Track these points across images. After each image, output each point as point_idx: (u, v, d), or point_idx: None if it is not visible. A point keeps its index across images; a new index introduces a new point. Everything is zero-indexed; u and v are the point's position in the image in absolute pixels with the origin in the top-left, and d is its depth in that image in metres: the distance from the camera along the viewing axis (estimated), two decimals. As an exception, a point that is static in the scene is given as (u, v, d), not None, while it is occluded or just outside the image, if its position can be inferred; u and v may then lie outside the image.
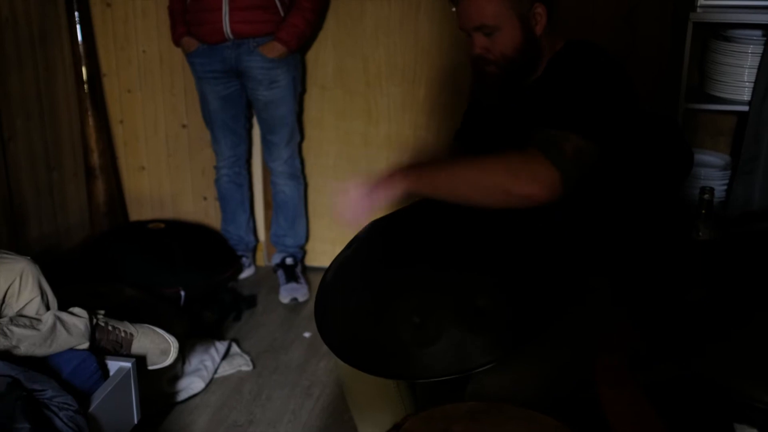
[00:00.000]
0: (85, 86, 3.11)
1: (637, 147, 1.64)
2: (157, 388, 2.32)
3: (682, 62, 2.38)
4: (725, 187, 2.58)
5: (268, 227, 3.27)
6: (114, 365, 1.99)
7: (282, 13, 2.78)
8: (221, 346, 2.60)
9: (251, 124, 3.11)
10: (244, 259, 3.20)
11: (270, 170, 3.08)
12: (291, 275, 3.09)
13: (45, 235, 3.00)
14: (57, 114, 3.03)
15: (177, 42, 2.90)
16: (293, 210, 3.11)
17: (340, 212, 1.51)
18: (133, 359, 2.01)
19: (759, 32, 2.46)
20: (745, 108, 2.44)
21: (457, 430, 1.22)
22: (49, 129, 2.99)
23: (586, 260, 1.55)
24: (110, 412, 1.89)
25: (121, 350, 2.04)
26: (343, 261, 1.55)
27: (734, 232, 2.02)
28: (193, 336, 2.60)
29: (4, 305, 1.93)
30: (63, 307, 2.00)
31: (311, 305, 2.86)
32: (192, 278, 2.86)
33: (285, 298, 3.04)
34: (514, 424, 1.25)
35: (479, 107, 1.79)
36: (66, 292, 2.10)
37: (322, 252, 3.26)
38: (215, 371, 2.53)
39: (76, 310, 1.98)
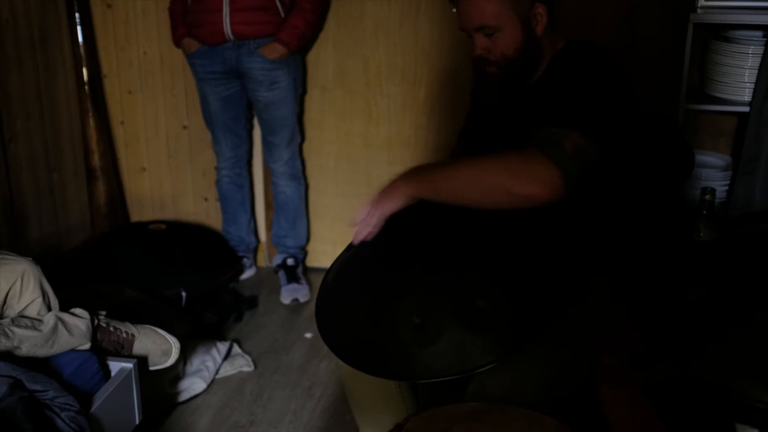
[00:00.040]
0: (86, 87, 3.11)
1: (637, 147, 1.64)
2: (158, 388, 2.32)
3: (683, 63, 2.38)
4: (726, 188, 2.58)
5: (269, 228, 3.27)
6: (115, 366, 1.99)
7: (282, 14, 2.78)
8: (222, 346, 2.60)
9: (252, 125, 3.11)
10: (245, 260, 3.21)
11: (271, 171, 3.08)
12: (292, 276, 3.10)
13: (46, 236, 3.01)
14: (57, 115, 3.03)
15: (178, 43, 2.90)
16: (294, 211, 3.11)
17: (355, 234, 1.53)
18: (135, 360, 2.01)
19: (759, 33, 2.46)
20: (746, 109, 2.44)
21: (458, 430, 1.23)
22: (49, 130, 2.99)
23: (586, 260, 1.55)
24: (112, 413, 1.90)
25: (123, 351, 2.04)
26: (343, 262, 1.55)
27: (735, 232, 2.02)
28: (194, 337, 2.60)
29: (5, 306, 1.94)
30: (64, 308, 2.00)
31: (312, 306, 2.86)
32: (193, 279, 2.86)
33: (286, 298, 3.04)
34: (515, 425, 1.25)
35: (481, 108, 1.80)
36: (67, 293, 2.11)
37: (323, 253, 3.26)
38: (216, 372, 2.54)
39: (78, 310, 1.98)
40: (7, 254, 1.99)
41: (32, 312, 1.94)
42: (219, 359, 2.55)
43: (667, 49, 2.68)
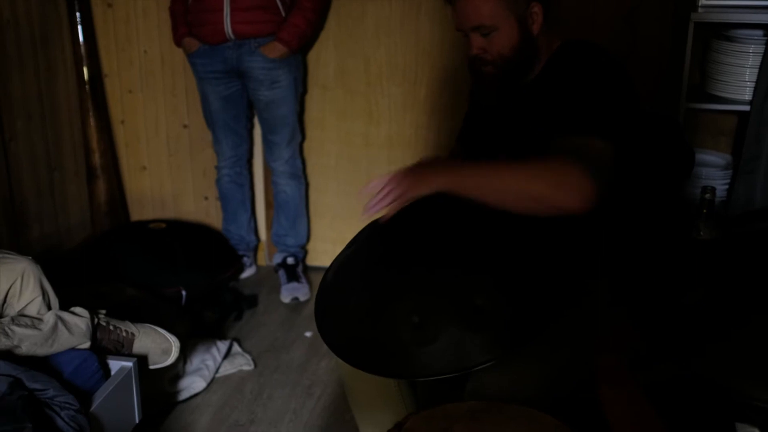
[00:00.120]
0: (87, 87, 3.11)
1: (638, 147, 1.64)
2: (158, 387, 2.32)
3: (683, 62, 2.38)
4: (727, 187, 2.58)
5: (269, 227, 3.27)
6: (115, 365, 1.99)
7: (283, 14, 2.78)
8: (222, 345, 2.61)
9: (252, 124, 3.11)
10: (245, 259, 3.21)
11: (271, 170, 3.08)
12: (292, 275, 3.10)
13: (46, 235, 3.01)
14: (58, 114, 3.04)
15: (178, 42, 2.90)
16: (294, 210, 3.11)
17: (367, 206, 1.50)
18: (135, 359, 2.01)
19: (760, 32, 2.46)
20: (747, 108, 2.44)
21: (458, 429, 1.23)
22: (50, 129, 2.99)
23: (585, 260, 1.55)
24: (112, 412, 1.90)
25: (123, 350, 2.04)
26: (343, 261, 1.55)
27: (735, 231, 2.02)
28: (194, 335, 2.60)
29: (5, 305, 1.94)
30: (64, 306, 2.00)
31: (312, 305, 2.85)
32: (193, 278, 2.86)
33: (286, 297, 3.04)
34: (514, 424, 1.25)
35: (479, 108, 1.79)
36: (67, 292, 2.11)
37: (323, 252, 3.26)
38: (216, 371, 2.54)
39: (78, 309, 1.98)
40: (8, 253, 1.99)
41: (32, 311, 1.94)
42: (219, 358, 2.56)
43: (667, 48, 2.68)
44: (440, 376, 1.27)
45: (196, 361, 2.50)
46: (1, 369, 1.70)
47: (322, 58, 3.04)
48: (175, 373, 2.40)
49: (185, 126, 3.25)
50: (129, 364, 1.99)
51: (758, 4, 2.35)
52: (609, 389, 1.24)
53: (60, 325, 1.90)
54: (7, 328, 1.83)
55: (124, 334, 2.04)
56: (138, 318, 2.14)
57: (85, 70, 3.09)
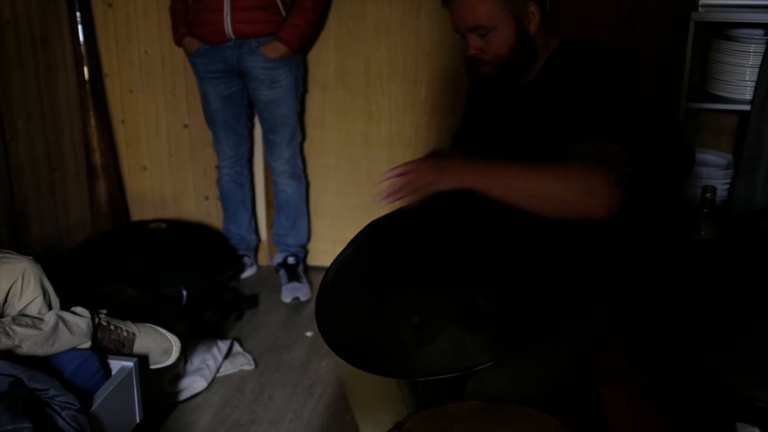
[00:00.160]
0: (87, 86, 3.11)
1: (638, 147, 1.64)
2: (159, 387, 2.33)
3: (684, 62, 2.38)
4: (727, 187, 2.58)
5: (269, 227, 3.27)
6: (116, 365, 2.00)
7: (283, 13, 2.78)
8: (223, 345, 2.61)
9: (253, 124, 3.11)
10: (245, 259, 3.21)
11: (271, 170, 3.08)
12: (293, 274, 3.10)
13: (47, 235, 3.01)
14: (58, 114, 3.04)
15: (179, 42, 2.90)
16: (295, 209, 3.11)
17: (386, 192, 1.49)
18: (135, 359, 2.01)
19: (761, 31, 2.46)
20: (747, 107, 2.44)
21: (458, 429, 1.23)
22: (50, 129, 2.99)
23: (585, 260, 1.55)
24: (112, 412, 1.90)
25: (123, 350, 2.04)
26: (344, 260, 1.55)
27: (736, 231, 2.02)
28: (195, 335, 2.60)
29: (6, 305, 1.94)
30: (65, 306, 2.00)
31: (313, 304, 2.85)
32: (194, 278, 2.86)
33: (287, 297, 3.04)
34: (514, 424, 1.25)
35: (477, 109, 1.79)
36: (68, 291, 2.11)
37: (324, 251, 3.27)
38: (217, 370, 2.54)
39: (78, 309, 1.98)
40: (8, 253, 1.99)
41: (33, 311, 1.94)
42: (220, 358, 2.56)
43: (667, 48, 2.68)
44: (440, 376, 1.27)
45: (196, 360, 2.50)
46: (1, 369, 1.70)
47: (323, 57, 3.04)
48: (175, 372, 2.40)
49: (186, 126, 3.25)
50: (130, 364, 1.99)
51: (759, 3, 2.35)
52: (609, 389, 1.24)
53: (61, 324, 1.90)
54: (7, 328, 1.83)
55: (124, 334, 2.04)
56: (138, 318, 2.14)
57: (85, 69, 3.09)
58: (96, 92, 3.14)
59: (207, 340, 2.61)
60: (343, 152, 3.15)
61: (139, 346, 2.06)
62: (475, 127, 1.78)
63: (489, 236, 1.44)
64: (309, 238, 3.25)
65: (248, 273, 3.23)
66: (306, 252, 3.27)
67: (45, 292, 1.97)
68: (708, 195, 1.95)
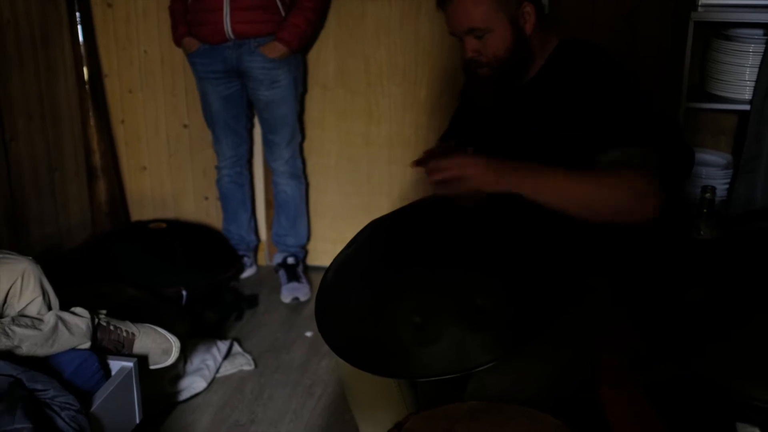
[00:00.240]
0: (87, 87, 3.11)
1: (662, 147, 1.65)
2: (158, 387, 2.32)
3: (683, 62, 2.38)
4: (727, 186, 2.58)
5: (269, 227, 3.27)
6: (116, 365, 2.00)
7: (283, 13, 2.78)
8: (223, 345, 2.61)
9: (252, 124, 3.12)
10: (245, 259, 3.21)
11: (271, 170, 3.08)
12: (292, 275, 3.10)
13: (47, 235, 3.01)
14: (58, 114, 3.04)
15: (178, 42, 2.90)
16: (294, 210, 3.11)
17: (431, 171, 1.48)
18: (135, 359, 2.01)
19: (760, 31, 2.46)
20: (747, 107, 2.44)
21: (458, 429, 1.23)
22: (50, 130, 2.99)
23: (586, 260, 1.55)
24: (112, 412, 1.90)
25: (123, 350, 2.04)
26: (343, 260, 1.55)
27: (736, 231, 2.02)
28: (194, 336, 2.60)
29: (5, 305, 1.94)
30: (65, 307, 2.00)
31: (313, 304, 2.85)
32: (193, 278, 2.86)
33: (286, 297, 3.04)
34: (515, 424, 1.25)
35: (471, 110, 1.79)
36: (68, 292, 2.11)
37: (324, 251, 3.27)
38: (217, 371, 2.54)
39: (78, 309, 1.98)
40: (8, 253, 1.99)
41: (32, 311, 1.94)
42: (219, 358, 2.56)
43: (667, 48, 2.68)
44: (441, 377, 1.27)
45: (196, 361, 2.50)
46: (1, 369, 1.70)
47: (322, 57, 3.04)
48: (175, 373, 2.40)
49: (185, 126, 3.25)
50: (129, 364, 1.99)
51: (758, 3, 2.35)
52: (609, 389, 1.24)
53: (60, 325, 1.90)
54: (7, 329, 1.83)
55: (124, 334, 2.04)
56: (138, 318, 2.14)
57: (85, 70, 3.09)
58: (96, 92, 3.14)
59: (207, 340, 2.61)
60: (343, 152, 3.15)
61: (138, 347, 2.05)
62: (469, 128, 1.78)
63: (490, 236, 1.43)
64: (309, 238, 3.25)
65: (248, 273, 3.23)
66: (306, 252, 3.27)
67: (44, 293, 1.97)
68: (708, 195, 1.95)
